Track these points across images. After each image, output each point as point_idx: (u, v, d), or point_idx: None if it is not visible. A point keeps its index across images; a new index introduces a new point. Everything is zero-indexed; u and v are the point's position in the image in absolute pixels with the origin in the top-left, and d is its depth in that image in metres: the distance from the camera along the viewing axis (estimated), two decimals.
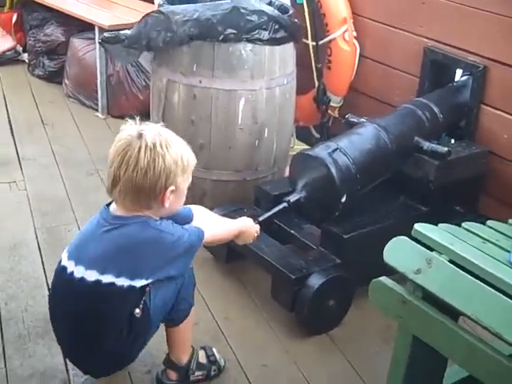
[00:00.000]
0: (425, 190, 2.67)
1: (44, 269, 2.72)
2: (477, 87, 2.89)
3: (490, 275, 1.62)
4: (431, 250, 1.76)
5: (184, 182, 1.87)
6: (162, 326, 2.08)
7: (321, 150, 2.49)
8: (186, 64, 2.86)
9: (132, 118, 1.92)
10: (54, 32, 4.70)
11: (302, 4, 3.45)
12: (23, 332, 2.36)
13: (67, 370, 2.20)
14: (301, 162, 2.56)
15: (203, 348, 2.25)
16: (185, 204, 2.00)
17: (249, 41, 2.82)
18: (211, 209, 2.57)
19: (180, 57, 2.86)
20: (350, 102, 3.62)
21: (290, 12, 3.01)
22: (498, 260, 1.77)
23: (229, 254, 2.76)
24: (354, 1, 3.45)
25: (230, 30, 2.78)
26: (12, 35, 5.18)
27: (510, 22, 2.73)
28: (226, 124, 2.90)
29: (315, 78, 3.57)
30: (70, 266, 1.89)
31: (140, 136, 1.80)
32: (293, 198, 2.52)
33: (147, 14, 2.85)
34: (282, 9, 3.08)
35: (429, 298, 1.67)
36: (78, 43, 4.47)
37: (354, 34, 3.44)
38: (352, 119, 2.84)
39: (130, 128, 1.85)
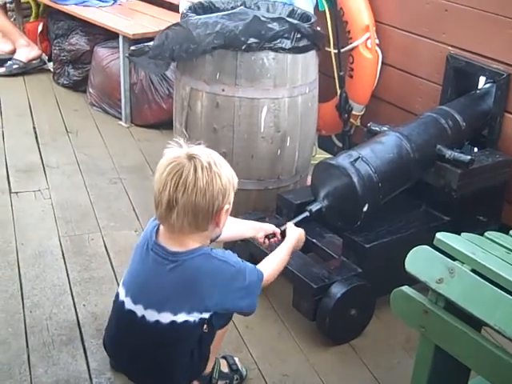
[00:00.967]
0: (447, 199, 2.65)
1: (68, 277, 2.75)
2: (500, 95, 2.87)
3: None
4: (453, 259, 1.75)
5: (232, 199, 1.89)
6: None
7: (343, 159, 2.48)
8: (209, 72, 2.88)
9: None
10: (78, 41, 4.75)
11: (325, 11, 3.46)
12: (47, 340, 2.38)
13: (91, 378, 2.22)
14: (323, 171, 2.56)
15: (224, 357, 2.26)
16: None
17: (271, 49, 2.82)
18: (234, 217, 2.60)
19: (203, 65, 2.88)
20: (371, 110, 3.61)
21: (313, 20, 3.01)
22: None
23: (250, 262, 2.75)
24: (376, 8, 3.44)
25: (252, 40, 2.79)
26: (38, 44, 5.24)
27: None
28: (248, 132, 2.91)
29: (337, 86, 3.57)
30: (139, 310, 1.92)
31: (191, 157, 1.81)
32: (315, 207, 2.52)
33: (168, 27, 2.87)
34: (304, 17, 3.09)
35: (451, 307, 1.66)
36: (102, 52, 4.51)
37: (377, 41, 3.44)
38: (374, 127, 2.84)
39: (174, 151, 1.85)
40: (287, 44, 2.84)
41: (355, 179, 2.42)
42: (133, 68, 4.22)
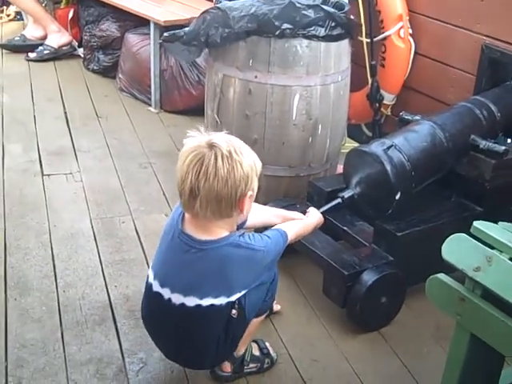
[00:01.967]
0: (480, 189, 2.63)
1: (100, 258, 2.79)
2: None
3: None
4: (491, 248, 1.74)
5: (256, 185, 1.89)
6: None
7: (376, 147, 2.48)
8: (242, 59, 2.88)
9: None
10: (109, 27, 4.77)
11: (357, 0, 3.44)
12: (81, 319, 2.42)
13: (123, 358, 2.25)
14: (355, 158, 2.56)
15: (256, 341, 2.28)
16: None
17: (305, 37, 2.82)
18: (265, 203, 2.61)
19: (236, 52, 2.89)
20: (402, 99, 3.60)
21: (346, 9, 3.00)
22: None
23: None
24: None
25: (286, 25, 2.78)
26: (68, 31, 5.29)
27: None
28: (280, 119, 2.91)
29: (368, 75, 3.56)
30: (166, 293, 1.95)
31: (212, 146, 1.80)
32: (347, 194, 2.52)
33: (206, 11, 2.88)
34: (338, 5, 3.08)
35: (488, 295, 1.65)
36: (132, 38, 4.53)
37: (410, 31, 3.42)
38: (406, 117, 2.82)
39: (194, 140, 1.85)
40: (321, 32, 2.84)
41: (388, 167, 2.41)
42: (163, 54, 4.24)
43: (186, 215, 1.95)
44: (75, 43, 5.31)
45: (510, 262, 1.66)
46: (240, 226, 2.05)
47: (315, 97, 2.93)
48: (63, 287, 2.59)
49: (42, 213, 3.10)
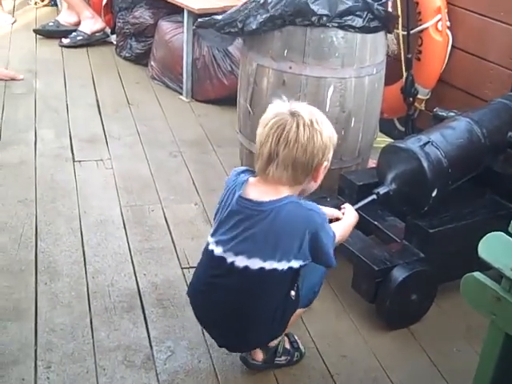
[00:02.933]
0: None
1: (129, 246, 2.79)
2: None
3: None
4: None
5: (331, 157, 1.93)
6: None
7: (412, 143, 2.44)
8: (277, 49, 2.85)
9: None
10: (142, 14, 4.77)
11: None
12: (109, 306, 2.42)
13: (151, 346, 2.26)
14: (391, 154, 2.52)
15: (286, 335, 2.26)
16: None
17: (341, 27, 2.78)
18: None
19: (271, 42, 2.86)
20: (437, 94, 3.54)
21: (384, 0, 2.95)
22: None
23: None
24: None
25: (322, 11, 2.73)
26: (102, 17, 5.30)
27: None
28: None
29: (403, 68, 3.50)
30: (229, 257, 1.94)
31: (294, 114, 1.86)
32: (382, 190, 2.49)
33: (248, 0, 2.85)
34: None
35: None
36: (165, 26, 4.53)
37: (448, 24, 3.36)
38: (441, 113, 2.79)
39: (277, 108, 1.90)
40: (358, 22, 2.79)
41: (425, 163, 2.38)
42: (196, 43, 4.23)
43: (251, 181, 1.96)
44: (108, 30, 5.32)
45: None
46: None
47: (349, 89, 2.90)
48: (92, 273, 2.60)
49: (73, 199, 3.12)
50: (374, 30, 2.87)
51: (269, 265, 1.90)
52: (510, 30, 3.07)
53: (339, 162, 3.01)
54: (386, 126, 3.83)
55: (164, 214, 3.06)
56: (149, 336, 2.30)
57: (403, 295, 2.38)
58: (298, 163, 1.86)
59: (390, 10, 2.97)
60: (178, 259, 2.73)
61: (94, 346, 2.23)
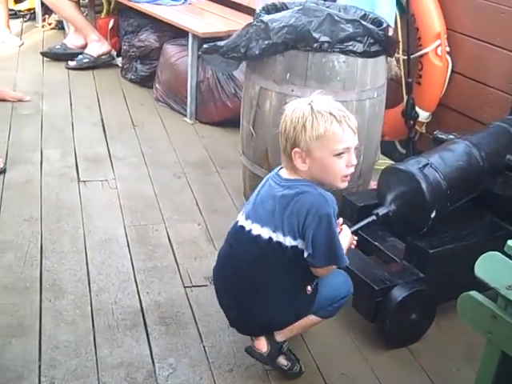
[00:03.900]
0: None
1: (132, 265, 2.83)
2: None
3: None
4: None
5: (320, 150, 1.98)
6: None
7: (412, 165, 2.49)
8: (279, 72, 2.92)
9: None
10: (147, 38, 4.86)
11: (396, 17, 3.46)
12: (112, 323, 2.46)
13: (153, 363, 2.28)
14: (391, 175, 2.57)
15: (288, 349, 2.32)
16: None
17: (342, 52, 2.84)
18: None
19: (274, 65, 2.92)
20: (437, 117, 3.60)
21: (385, 25, 3.01)
22: None
23: None
24: (448, 16, 3.44)
25: (324, 38, 2.80)
26: (108, 40, 5.38)
27: None
28: None
29: (404, 92, 3.56)
30: (248, 225, 2.12)
31: (311, 101, 2.02)
32: (381, 211, 2.53)
33: (249, 24, 2.92)
34: (376, 22, 3.09)
35: None
36: (170, 49, 4.61)
37: (447, 49, 3.43)
38: (440, 136, 2.83)
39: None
40: (359, 48, 2.85)
41: (424, 185, 2.42)
42: (200, 66, 4.30)
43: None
44: (114, 53, 5.41)
45: None
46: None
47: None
48: (96, 291, 2.63)
49: (78, 218, 3.16)
50: (375, 55, 2.93)
51: (276, 237, 2.03)
52: (508, 56, 3.14)
53: None
54: (387, 148, 3.88)
55: (167, 233, 3.10)
56: (151, 353, 2.32)
57: (403, 314, 2.41)
58: (285, 140, 2.02)
59: (390, 35, 3.02)
60: (181, 278, 2.77)
61: (97, 362, 2.26)
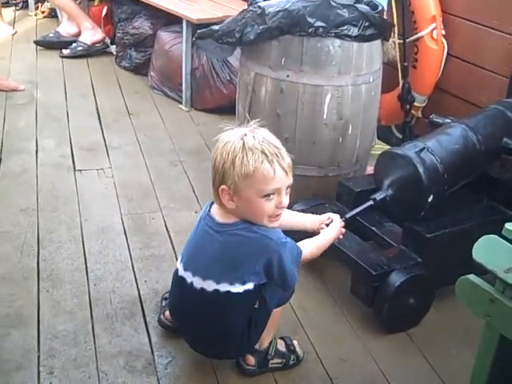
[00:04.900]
0: None
1: (130, 253, 2.82)
2: None
3: None
4: None
5: (247, 190, 1.88)
6: None
7: (408, 149, 2.48)
8: (275, 58, 2.90)
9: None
10: (141, 25, 4.82)
11: (391, 1, 3.44)
12: (111, 312, 2.45)
13: (152, 352, 2.28)
14: (387, 160, 2.56)
15: (283, 338, 2.30)
16: None
17: (337, 36, 2.82)
18: (294, 203, 2.63)
19: (269, 51, 2.90)
20: (433, 101, 3.58)
21: (380, 8, 2.99)
22: None
23: None
24: None
25: (319, 23, 2.78)
26: (101, 28, 5.35)
27: None
28: (311, 119, 2.92)
29: (400, 76, 3.55)
30: (188, 277, 2.03)
31: (244, 135, 1.94)
32: (379, 196, 2.53)
33: (245, 9, 2.90)
34: (371, 5, 3.07)
35: None
36: (165, 36, 4.58)
37: (443, 32, 3.41)
38: (436, 119, 2.82)
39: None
40: (354, 31, 2.83)
41: (421, 169, 2.41)
42: (195, 53, 4.28)
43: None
44: (108, 40, 5.37)
45: None
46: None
47: (346, 97, 2.93)
48: (94, 281, 2.63)
49: (74, 207, 3.15)
50: (370, 39, 2.91)
51: (223, 287, 1.95)
52: (504, 38, 3.12)
53: (337, 169, 3.05)
54: (383, 133, 3.87)
55: (164, 221, 3.09)
56: (150, 342, 2.32)
57: (401, 299, 2.41)
58: (212, 177, 1.94)
59: (385, 18, 3.00)
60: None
61: (95, 351, 2.25)
